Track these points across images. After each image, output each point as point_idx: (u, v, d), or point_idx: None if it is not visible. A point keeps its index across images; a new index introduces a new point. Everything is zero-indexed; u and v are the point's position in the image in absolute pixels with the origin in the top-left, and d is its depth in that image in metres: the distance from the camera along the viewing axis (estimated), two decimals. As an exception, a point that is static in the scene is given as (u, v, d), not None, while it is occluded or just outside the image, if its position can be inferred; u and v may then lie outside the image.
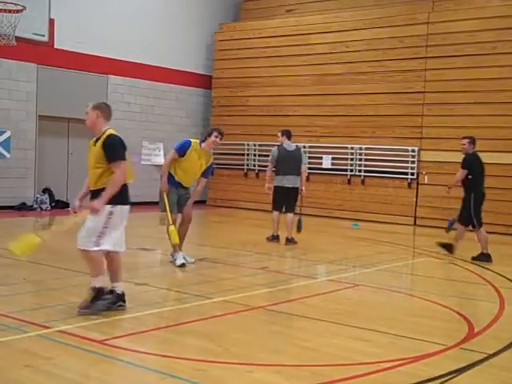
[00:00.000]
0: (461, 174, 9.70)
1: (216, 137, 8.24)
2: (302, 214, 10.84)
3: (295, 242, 10.61)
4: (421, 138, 15.14)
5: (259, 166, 17.22)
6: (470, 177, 9.65)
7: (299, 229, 10.71)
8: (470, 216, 9.64)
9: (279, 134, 11.08)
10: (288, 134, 11.00)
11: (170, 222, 8.03)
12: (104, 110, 5.81)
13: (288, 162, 10.69)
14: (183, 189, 8.33)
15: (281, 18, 17.94)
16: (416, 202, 15.21)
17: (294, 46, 17.09)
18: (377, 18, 15.93)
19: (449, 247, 9.97)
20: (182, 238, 8.30)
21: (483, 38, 14.29)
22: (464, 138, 10.03)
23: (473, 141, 9.90)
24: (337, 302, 6.90)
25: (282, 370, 4.46)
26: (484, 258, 9.67)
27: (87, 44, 15.87)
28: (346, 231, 13.72)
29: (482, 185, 9.79)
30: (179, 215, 8.40)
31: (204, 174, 8.36)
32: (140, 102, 17.38)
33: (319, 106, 16.61)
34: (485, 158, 14.16)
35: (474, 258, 9.71)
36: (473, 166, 9.70)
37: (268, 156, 11.42)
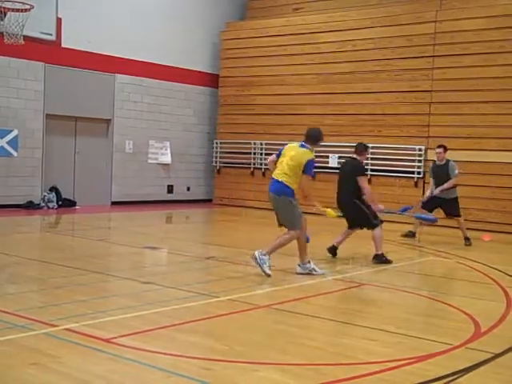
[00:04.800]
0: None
1: None
2: None
3: None
4: (428, 137, 15.08)
5: (265, 164, 17.20)
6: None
7: None
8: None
9: None
10: None
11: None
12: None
13: None
14: None
15: (287, 17, 17.91)
16: (422, 201, 15.12)
17: (301, 44, 17.07)
18: (384, 16, 15.88)
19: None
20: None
21: (491, 37, 14.22)
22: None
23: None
24: (342, 302, 6.90)
25: (288, 368, 4.47)
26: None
27: (94, 43, 15.91)
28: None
29: None
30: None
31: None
32: (147, 101, 17.41)
33: (326, 104, 16.58)
34: (492, 156, 14.30)
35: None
36: None
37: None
